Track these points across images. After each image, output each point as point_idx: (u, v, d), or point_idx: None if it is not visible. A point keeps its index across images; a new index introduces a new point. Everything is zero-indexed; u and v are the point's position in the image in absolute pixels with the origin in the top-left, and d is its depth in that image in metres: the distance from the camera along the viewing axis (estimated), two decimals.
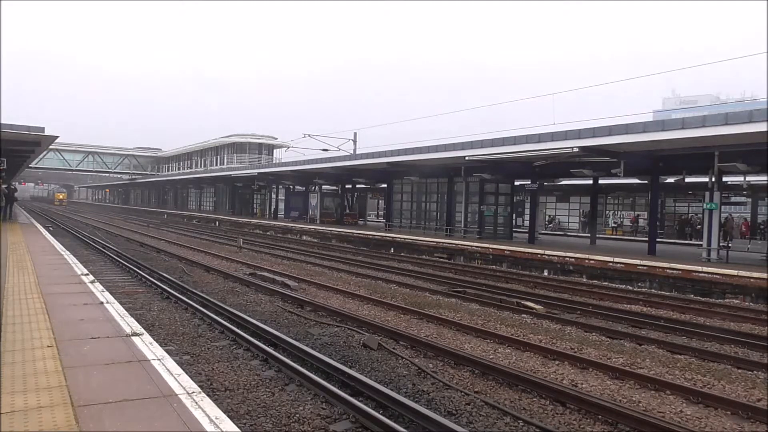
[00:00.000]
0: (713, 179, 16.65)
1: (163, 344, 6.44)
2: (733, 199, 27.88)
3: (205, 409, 3.94)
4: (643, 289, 14.78)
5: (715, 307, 12.06)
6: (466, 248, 21.04)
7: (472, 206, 25.52)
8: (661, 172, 20.02)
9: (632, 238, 30.45)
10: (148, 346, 5.52)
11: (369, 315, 10.11)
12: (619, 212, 35.64)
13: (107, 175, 78.43)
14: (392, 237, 25.08)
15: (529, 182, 24.52)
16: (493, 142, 21.04)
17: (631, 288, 14.95)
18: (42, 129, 17.98)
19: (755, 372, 7.33)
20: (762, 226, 29.47)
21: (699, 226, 25.95)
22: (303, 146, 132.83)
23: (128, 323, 6.49)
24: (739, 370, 7.39)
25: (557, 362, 7.49)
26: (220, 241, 26.90)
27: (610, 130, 16.71)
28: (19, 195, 53.00)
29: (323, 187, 39.13)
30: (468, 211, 25.57)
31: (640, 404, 5.97)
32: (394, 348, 7.86)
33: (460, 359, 7.25)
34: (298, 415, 5.29)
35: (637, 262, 15.64)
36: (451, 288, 13.58)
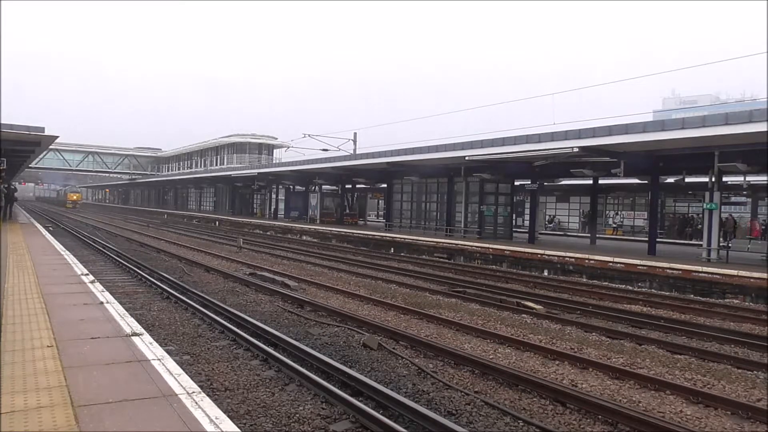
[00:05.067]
0: (713, 179, 16.65)
1: (163, 344, 6.43)
2: (733, 199, 27.86)
3: (205, 409, 3.94)
4: (643, 289, 14.78)
5: (715, 307, 12.06)
6: (466, 248, 21.03)
7: (472, 206, 25.51)
8: (661, 172, 20.01)
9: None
10: (148, 346, 5.52)
11: (369, 315, 10.10)
12: (620, 212, 35.61)
13: (107, 175, 78.27)
14: (392, 237, 25.07)
15: (529, 182, 24.51)
16: (493, 142, 21.03)
17: (631, 288, 14.94)
18: (42, 129, 18.00)
19: (755, 372, 7.33)
20: (762, 227, 29.43)
21: (699, 226, 25.88)
22: (303, 146, 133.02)
23: (128, 323, 6.49)
24: (739, 370, 7.38)
25: (557, 362, 7.49)
26: (220, 241, 26.90)
27: (610, 130, 16.71)
28: (20, 195, 53.04)
29: (323, 187, 39.13)
30: (468, 211, 25.56)
31: (640, 404, 5.97)
32: (394, 348, 7.85)
33: (460, 359, 7.25)
34: (298, 415, 5.29)
35: (637, 262, 15.63)
36: (451, 288, 13.57)
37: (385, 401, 5.52)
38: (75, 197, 72.73)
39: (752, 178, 21.63)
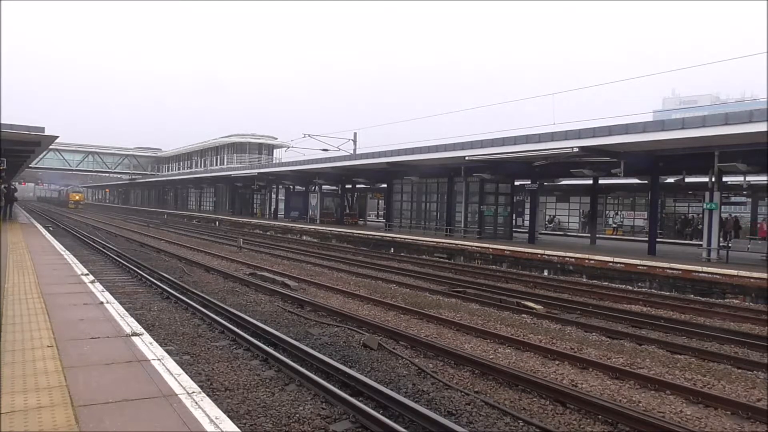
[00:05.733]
0: (713, 179, 16.65)
1: (163, 344, 6.44)
2: (733, 199, 27.85)
3: (205, 409, 3.94)
4: (643, 289, 14.78)
5: (715, 307, 12.06)
6: (466, 248, 21.03)
7: (472, 206, 25.51)
8: (661, 172, 20.02)
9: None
10: (148, 346, 5.52)
11: (369, 315, 10.10)
12: (620, 212, 35.60)
13: (107, 175, 78.16)
14: (392, 237, 25.07)
15: (529, 182, 24.52)
16: (493, 142, 21.04)
17: (631, 288, 14.94)
18: (42, 129, 18.01)
19: (755, 372, 7.33)
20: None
21: (700, 226, 25.80)
22: (303, 146, 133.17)
23: (128, 323, 6.49)
24: (739, 370, 7.39)
25: (557, 362, 7.49)
26: (220, 241, 26.90)
27: (610, 130, 16.71)
28: (20, 195, 53.01)
29: (323, 187, 39.13)
30: (468, 211, 25.56)
31: (640, 404, 5.97)
32: (394, 348, 7.85)
33: (460, 359, 7.25)
34: (298, 415, 5.29)
35: (637, 262, 15.64)
36: (451, 288, 13.57)
37: (385, 401, 5.52)
38: (77, 197, 71.63)
39: (752, 178, 21.64)
